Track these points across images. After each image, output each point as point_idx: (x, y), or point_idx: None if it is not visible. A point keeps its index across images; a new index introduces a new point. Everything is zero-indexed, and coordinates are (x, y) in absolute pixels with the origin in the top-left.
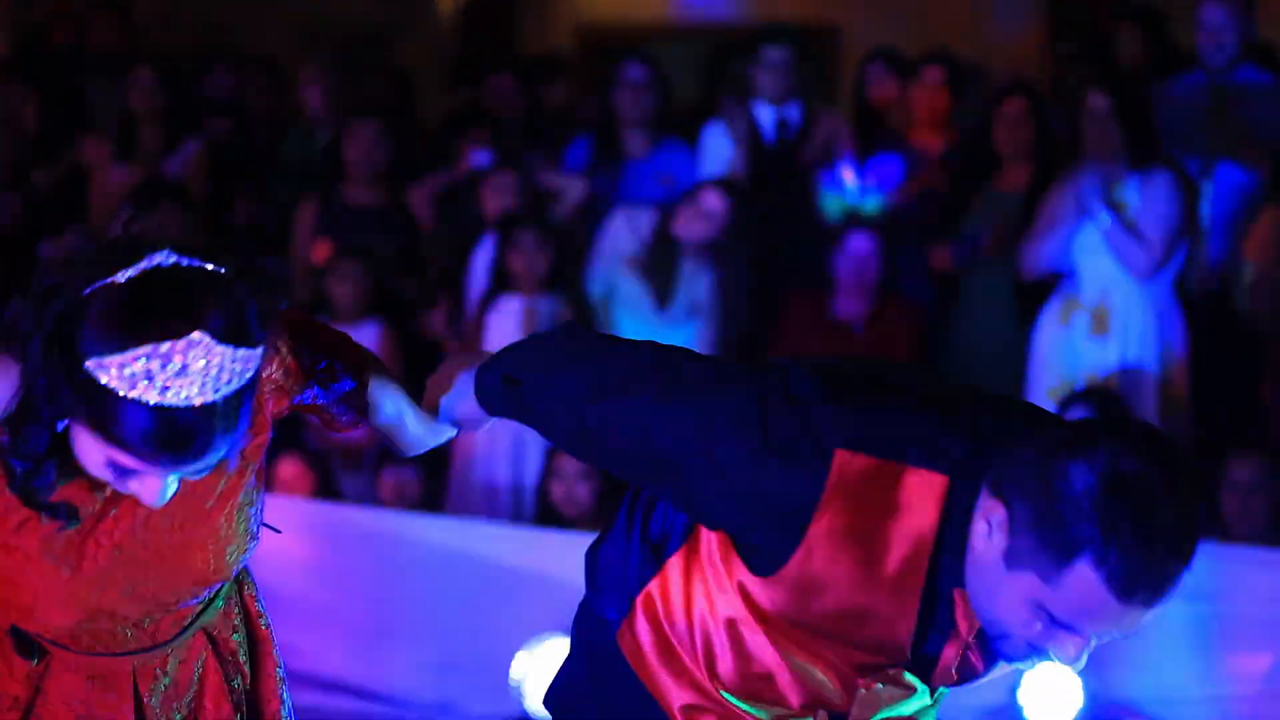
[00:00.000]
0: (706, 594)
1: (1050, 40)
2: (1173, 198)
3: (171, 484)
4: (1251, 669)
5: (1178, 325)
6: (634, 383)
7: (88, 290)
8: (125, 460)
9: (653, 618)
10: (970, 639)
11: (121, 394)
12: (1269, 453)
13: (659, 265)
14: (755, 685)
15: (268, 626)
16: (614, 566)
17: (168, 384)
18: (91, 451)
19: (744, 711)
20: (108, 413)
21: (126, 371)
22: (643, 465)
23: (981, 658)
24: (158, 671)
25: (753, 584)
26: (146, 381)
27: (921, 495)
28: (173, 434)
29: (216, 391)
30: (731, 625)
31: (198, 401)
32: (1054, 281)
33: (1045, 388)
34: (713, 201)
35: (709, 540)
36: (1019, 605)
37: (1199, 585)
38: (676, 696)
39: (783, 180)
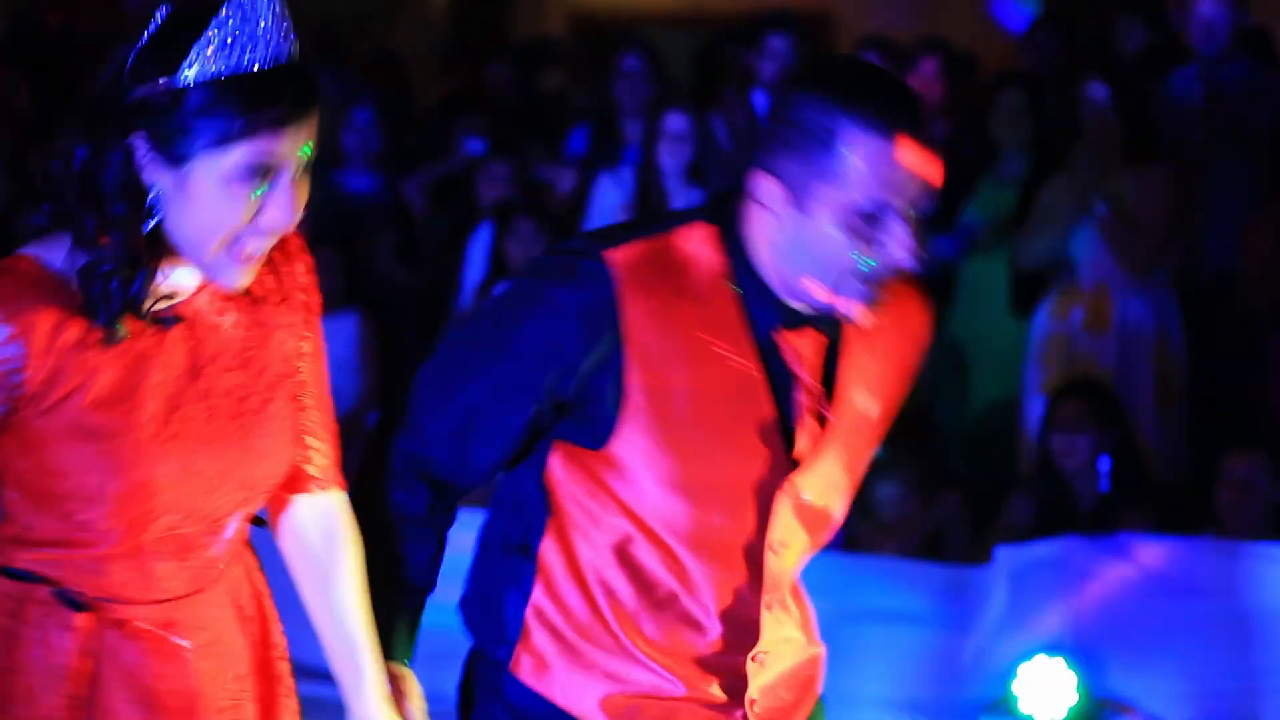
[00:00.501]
0: (589, 541)
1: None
2: (1170, 191)
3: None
4: (1246, 665)
5: (1175, 320)
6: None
7: (129, 66)
8: (258, 144)
9: (548, 623)
10: (816, 382)
11: (218, 69)
12: (1265, 448)
13: (652, 209)
14: (669, 621)
15: (270, 603)
16: (492, 602)
17: (251, 36)
18: (216, 187)
19: (666, 674)
20: (220, 103)
21: (210, 50)
22: (484, 421)
23: (820, 389)
24: (198, 632)
25: (621, 471)
26: (231, 44)
27: (698, 246)
28: (285, 77)
29: (286, 40)
30: (622, 553)
31: (279, 43)
32: (1052, 274)
33: (1043, 380)
34: (676, 122)
35: (567, 486)
36: (834, 230)
37: (1195, 580)
38: (592, 694)
39: None
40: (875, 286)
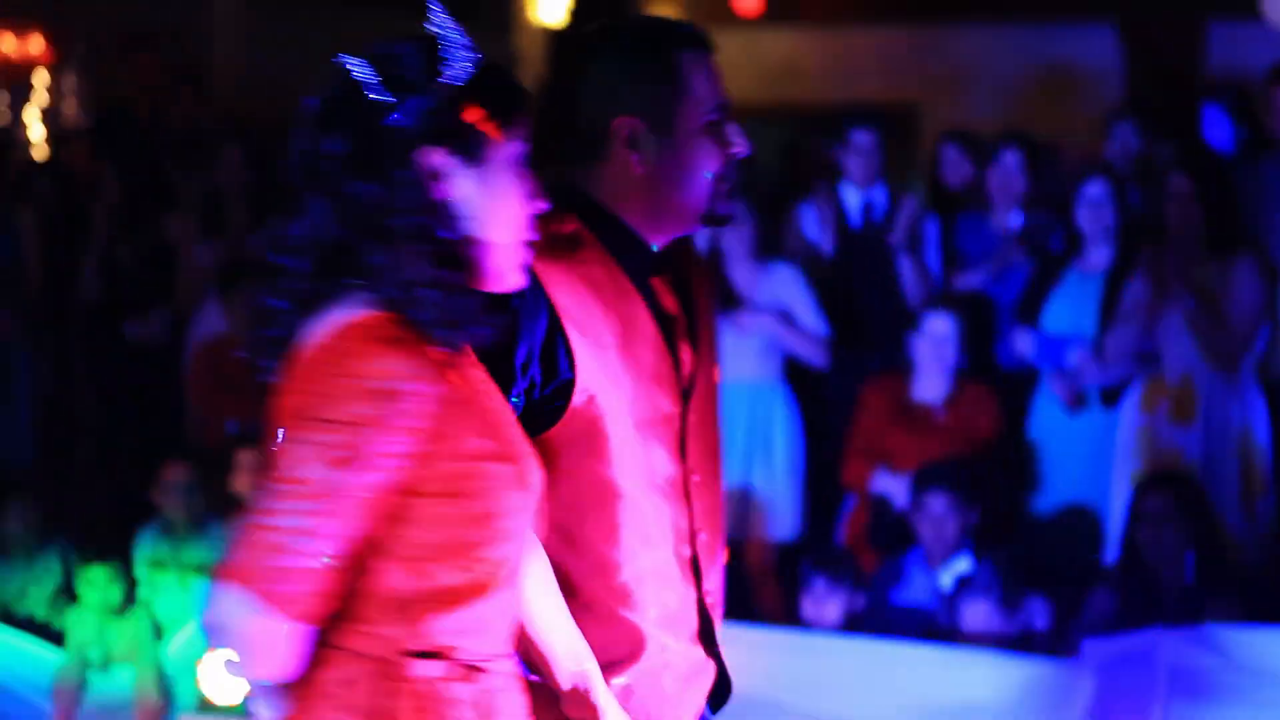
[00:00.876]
0: (574, 537)
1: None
2: (1255, 283)
3: None
4: None
5: (1261, 412)
6: None
7: (378, 102)
8: (523, 123)
9: None
10: (680, 313)
11: (468, 66)
12: None
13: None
14: (649, 580)
15: None
16: None
17: (463, 42)
18: (510, 176)
19: (657, 632)
20: (491, 91)
21: (451, 57)
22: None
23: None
24: None
25: (580, 442)
26: (458, 47)
27: (564, 228)
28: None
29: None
30: (597, 532)
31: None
32: (1138, 366)
33: (1129, 472)
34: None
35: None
36: (700, 142)
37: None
38: None
39: (868, 263)
40: (735, 183)
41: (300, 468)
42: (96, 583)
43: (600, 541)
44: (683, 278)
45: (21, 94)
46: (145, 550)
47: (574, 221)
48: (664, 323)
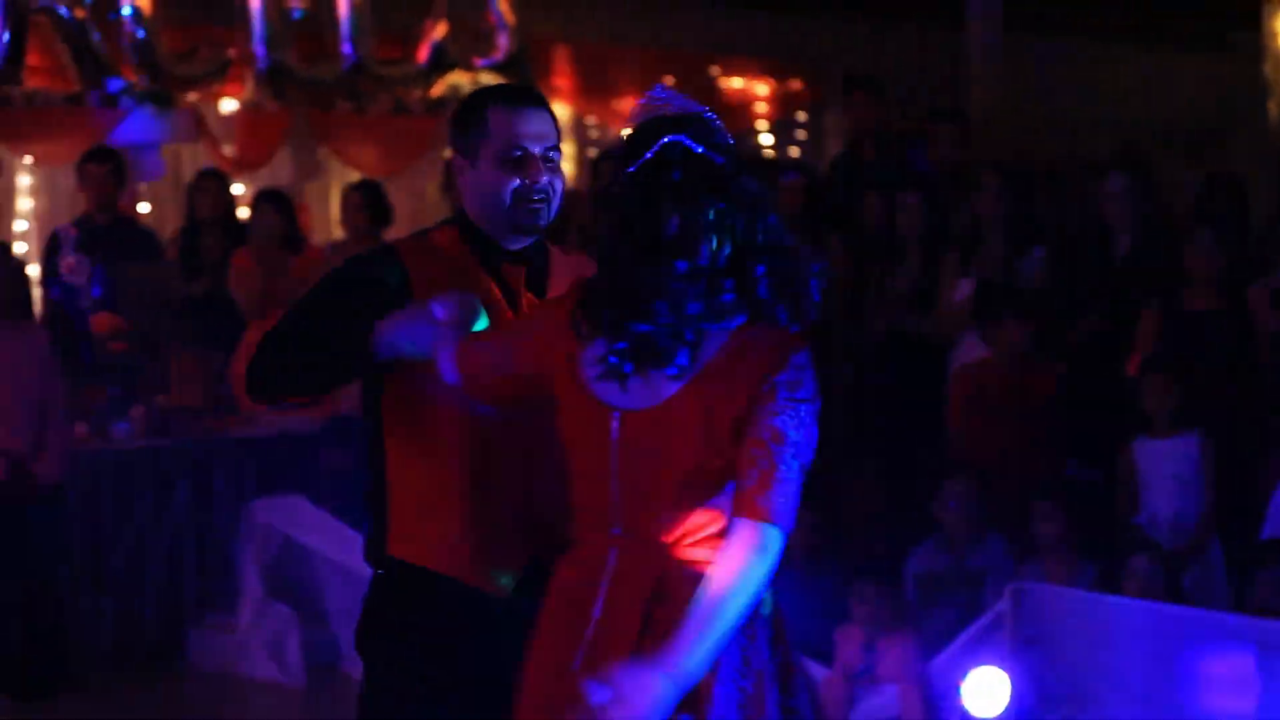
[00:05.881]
0: None
1: None
2: None
3: None
4: None
5: None
6: None
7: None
8: None
9: None
10: (529, 293)
11: None
12: None
13: None
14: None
15: None
16: None
17: None
18: None
19: None
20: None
21: None
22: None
23: (533, 298)
24: None
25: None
26: None
27: (441, 233)
28: None
29: None
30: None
31: None
32: None
33: None
34: None
35: None
36: (495, 170)
37: None
38: None
39: None
40: (537, 205)
41: None
42: (867, 598)
43: None
44: (543, 273)
45: (787, 133)
46: (919, 565)
47: (452, 228)
48: (511, 296)
